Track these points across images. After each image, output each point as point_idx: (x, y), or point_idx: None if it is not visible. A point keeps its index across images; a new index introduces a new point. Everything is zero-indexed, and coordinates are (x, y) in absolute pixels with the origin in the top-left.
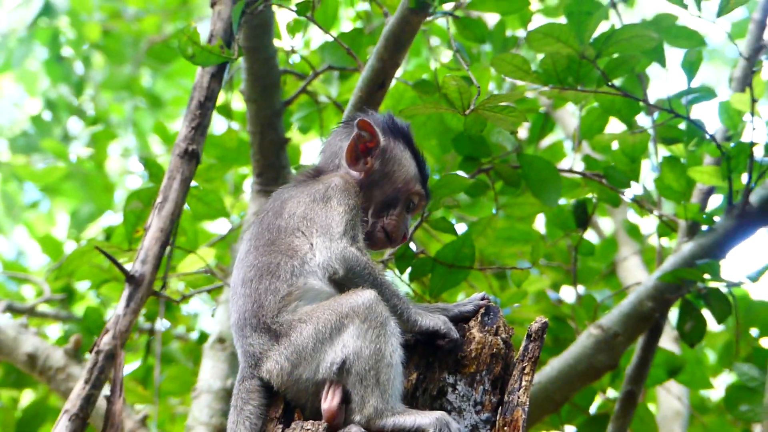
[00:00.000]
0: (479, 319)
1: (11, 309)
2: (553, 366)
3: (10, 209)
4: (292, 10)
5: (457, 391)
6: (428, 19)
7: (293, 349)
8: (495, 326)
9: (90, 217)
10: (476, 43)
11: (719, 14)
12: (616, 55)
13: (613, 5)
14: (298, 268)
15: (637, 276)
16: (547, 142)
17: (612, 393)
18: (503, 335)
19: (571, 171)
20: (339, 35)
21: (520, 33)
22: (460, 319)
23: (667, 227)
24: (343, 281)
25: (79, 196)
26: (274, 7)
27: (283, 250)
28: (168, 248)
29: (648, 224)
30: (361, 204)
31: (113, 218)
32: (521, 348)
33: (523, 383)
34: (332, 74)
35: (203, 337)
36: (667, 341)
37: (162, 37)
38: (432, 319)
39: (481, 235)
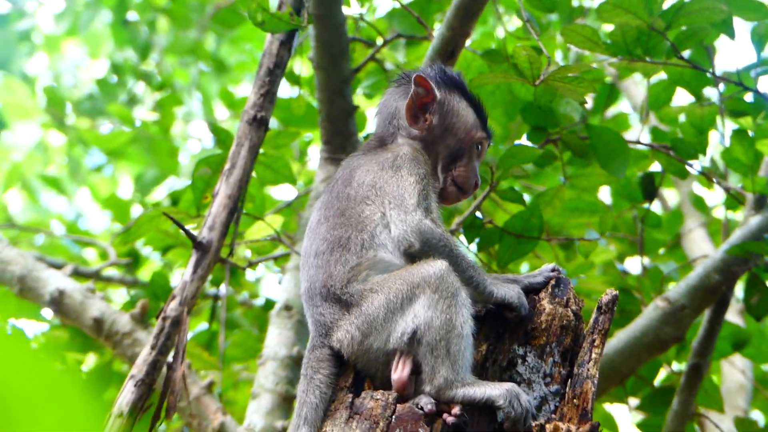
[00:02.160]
0: (550, 290)
1: (77, 273)
2: (620, 338)
3: (75, 173)
4: None
5: (526, 363)
6: None
7: (364, 319)
8: (565, 298)
9: (154, 181)
10: (544, 13)
11: None
12: (685, 28)
13: None
14: (368, 241)
15: (703, 248)
16: (611, 112)
17: (677, 366)
18: (573, 307)
19: (638, 142)
20: (408, 3)
21: (586, 3)
22: (530, 291)
23: (734, 200)
24: (418, 254)
25: (143, 160)
26: None
27: (354, 223)
28: (235, 215)
29: (714, 197)
30: (429, 163)
31: (177, 183)
32: (591, 320)
33: (593, 356)
34: (400, 42)
35: (268, 304)
36: (733, 314)
37: (228, 2)
38: (507, 291)
39: (548, 206)
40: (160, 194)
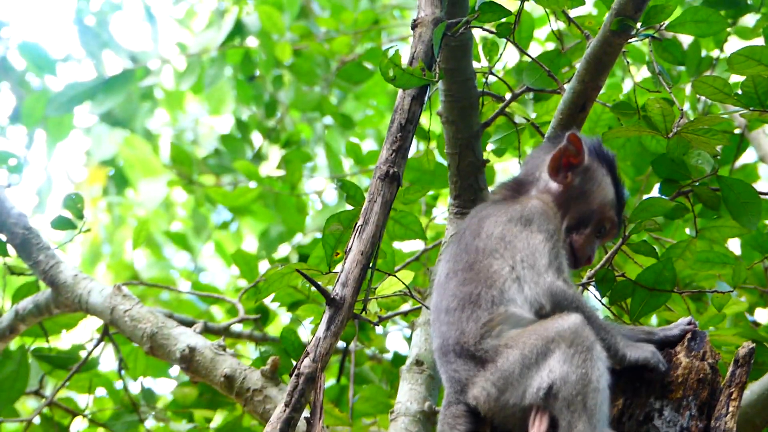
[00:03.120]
0: (686, 344)
1: (207, 329)
2: (753, 390)
3: (201, 230)
4: (493, 32)
5: (663, 417)
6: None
7: (500, 375)
8: (702, 351)
9: (280, 238)
10: (674, 65)
11: None
12: None
13: None
14: (498, 297)
15: None
16: (740, 162)
17: None
18: (710, 360)
19: None
20: (537, 56)
21: (714, 54)
22: (666, 344)
23: None
24: (549, 315)
25: (269, 217)
26: (474, 30)
27: (483, 278)
28: (369, 271)
29: None
30: (558, 219)
31: (303, 239)
32: (728, 373)
33: (731, 409)
34: (529, 95)
35: (396, 358)
36: None
37: (353, 56)
38: (641, 352)
39: (679, 258)
40: (284, 250)
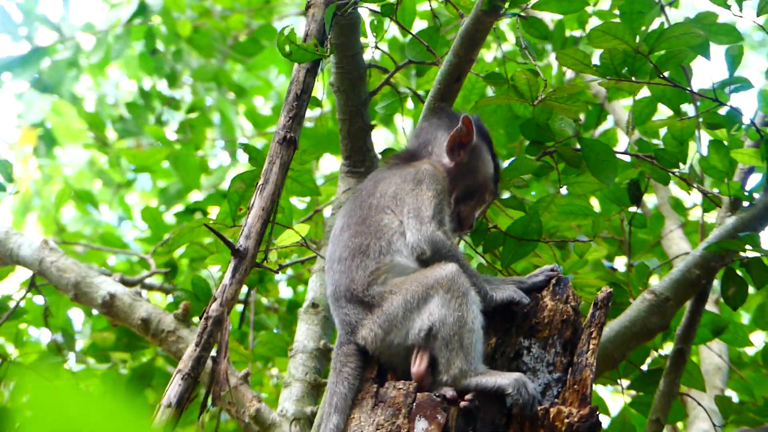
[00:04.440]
0: (551, 289)
1: (123, 281)
2: (612, 327)
3: (109, 185)
4: (377, 12)
5: (531, 353)
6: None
7: (385, 318)
8: (565, 295)
9: (179, 194)
10: (540, 41)
11: (759, 14)
12: (666, 51)
13: (661, 7)
14: (386, 248)
15: (681, 246)
16: (600, 130)
17: (663, 351)
18: (572, 303)
19: (626, 153)
20: (417, 33)
21: (576, 33)
22: (533, 289)
23: (710, 203)
24: (429, 261)
25: (168, 175)
26: (361, 9)
27: (373, 231)
28: (269, 225)
29: (690, 199)
30: (447, 190)
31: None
32: (589, 315)
33: (591, 346)
34: (410, 68)
35: (290, 305)
36: (711, 305)
37: (247, 32)
38: (505, 292)
39: (545, 211)
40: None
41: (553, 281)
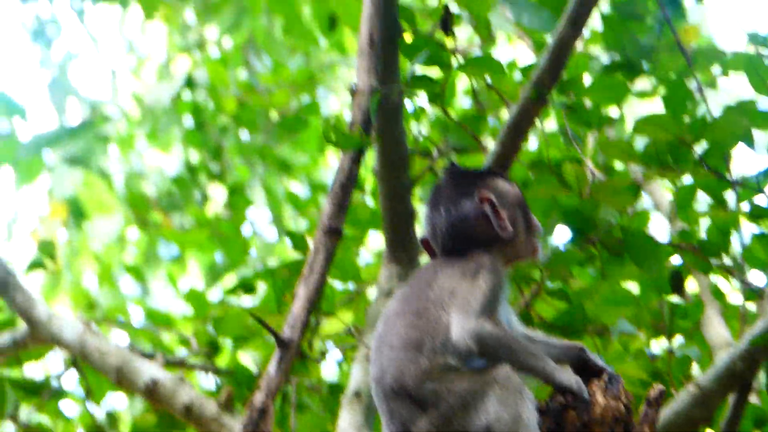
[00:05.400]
0: (604, 386)
1: (165, 361)
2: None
3: (151, 262)
4: (422, 99)
5: None
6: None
7: (439, 418)
8: (617, 393)
9: (224, 270)
10: (583, 127)
11: None
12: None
13: (700, 91)
14: (440, 348)
15: (721, 333)
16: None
17: None
18: (624, 401)
19: (670, 245)
20: (460, 118)
21: (614, 114)
22: (585, 363)
23: (752, 293)
24: (479, 356)
25: (213, 249)
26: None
27: (429, 327)
28: (313, 315)
29: (732, 288)
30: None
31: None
32: (641, 413)
33: None
34: (454, 153)
35: (333, 388)
36: (753, 395)
37: (291, 109)
38: (569, 379)
39: (588, 299)
40: (229, 282)
41: (605, 377)
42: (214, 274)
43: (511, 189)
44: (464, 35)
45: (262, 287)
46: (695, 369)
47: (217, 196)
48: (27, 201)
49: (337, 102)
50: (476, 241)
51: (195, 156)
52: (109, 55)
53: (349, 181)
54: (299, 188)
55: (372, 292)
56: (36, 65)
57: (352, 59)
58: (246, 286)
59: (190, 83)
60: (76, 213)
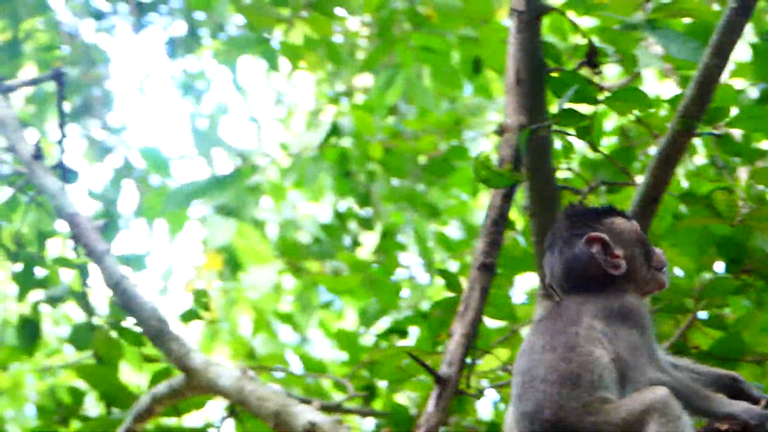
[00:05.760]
0: None
1: (322, 407)
2: None
3: (304, 308)
4: (571, 134)
5: None
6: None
7: None
8: None
9: (377, 315)
10: (729, 156)
11: None
12: None
13: None
14: (597, 382)
15: None
16: None
17: None
18: None
19: None
20: (609, 152)
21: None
22: (747, 397)
23: None
24: None
25: (366, 296)
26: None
27: (584, 362)
28: (470, 351)
29: None
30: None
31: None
32: None
33: None
34: (602, 188)
35: (491, 426)
36: None
37: (437, 153)
38: (730, 407)
39: (745, 329)
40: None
41: (763, 404)
42: (367, 319)
43: (627, 226)
44: (610, 73)
45: (414, 332)
46: None
47: (367, 241)
48: (181, 252)
49: (486, 144)
50: (592, 280)
51: (345, 203)
52: (257, 106)
53: (501, 218)
54: (449, 231)
55: (526, 332)
56: (186, 118)
57: (497, 102)
58: (399, 330)
59: (335, 130)
60: (231, 263)
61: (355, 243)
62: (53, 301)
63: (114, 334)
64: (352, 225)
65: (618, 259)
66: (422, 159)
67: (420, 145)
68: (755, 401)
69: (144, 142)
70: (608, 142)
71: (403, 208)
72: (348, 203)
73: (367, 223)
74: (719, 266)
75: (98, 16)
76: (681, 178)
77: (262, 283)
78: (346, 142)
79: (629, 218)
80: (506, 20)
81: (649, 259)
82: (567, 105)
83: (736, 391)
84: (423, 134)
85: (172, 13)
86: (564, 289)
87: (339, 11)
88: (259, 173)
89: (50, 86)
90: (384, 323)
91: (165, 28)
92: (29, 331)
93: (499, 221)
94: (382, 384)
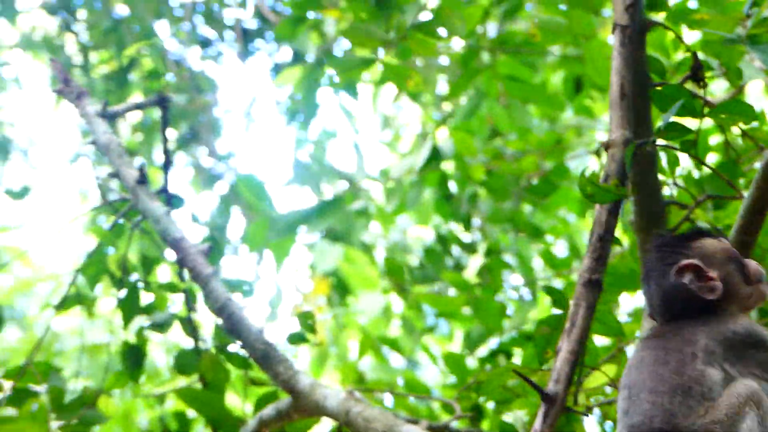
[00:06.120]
0: None
1: (430, 428)
2: None
3: (410, 332)
4: (676, 148)
5: None
6: None
7: None
8: None
9: (481, 338)
10: None
11: None
12: None
13: None
14: (708, 393)
15: None
16: None
17: None
18: None
19: None
20: (716, 166)
21: None
22: None
23: None
24: None
25: (469, 319)
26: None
27: (695, 377)
28: (578, 368)
29: None
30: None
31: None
32: None
33: None
34: (709, 202)
35: None
36: None
37: (540, 173)
38: None
39: None
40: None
41: None
42: (472, 341)
43: (718, 245)
44: (715, 88)
45: (518, 353)
46: None
47: (472, 263)
48: (289, 278)
49: (589, 162)
50: (693, 307)
51: (448, 226)
52: (364, 130)
53: (607, 234)
54: (555, 251)
55: (632, 349)
56: (292, 144)
57: (598, 121)
58: (504, 352)
59: (436, 154)
60: (339, 288)
61: (458, 266)
62: (159, 327)
63: (220, 357)
64: (455, 248)
65: (713, 281)
66: (525, 180)
67: (522, 165)
68: None
69: (250, 169)
70: (713, 159)
71: (506, 229)
72: (451, 226)
73: (470, 247)
74: None
75: (204, 43)
76: None
77: (371, 308)
78: (448, 165)
79: (718, 237)
80: (610, 37)
81: (745, 273)
82: (672, 119)
83: None
84: (525, 155)
85: (278, 39)
86: (667, 319)
87: (442, 32)
88: (363, 198)
89: (156, 114)
90: (491, 344)
91: (270, 55)
92: (134, 357)
93: (605, 237)
94: (489, 405)
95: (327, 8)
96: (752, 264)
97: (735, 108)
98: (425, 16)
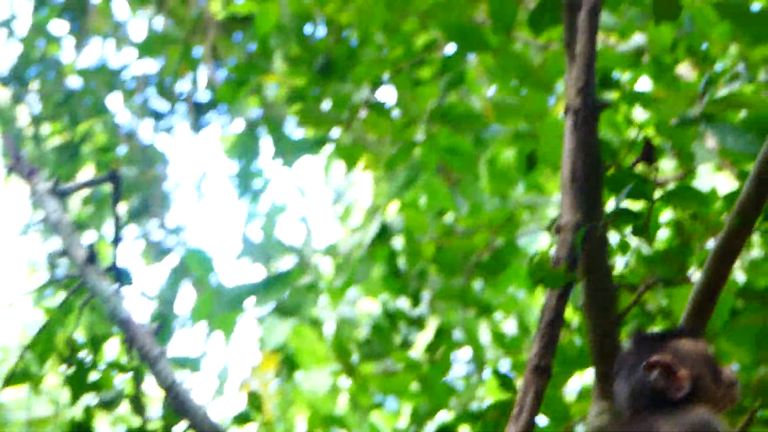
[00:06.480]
0: None
1: None
2: None
3: (358, 409)
4: (626, 235)
5: None
6: None
7: None
8: None
9: (427, 415)
10: None
11: None
12: None
13: None
14: None
15: None
16: None
17: None
18: None
19: None
20: (665, 249)
21: None
22: None
23: None
24: None
25: (416, 396)
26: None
27: None
28: None
29: None
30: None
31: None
32: None
33: None
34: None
35: None
36: None
37: (490, 250)
38: None
39: None
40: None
41: None
42: (419, 417)
43: (693, 346)
44: (666, 166)
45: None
46: None
47: (419, 340)
48: (237, 353)
49: (540, 240)
50: (658, 402)
51: (397, 303)
52: (315, 204)
53: (557, 318)
54: (504, 328)
55: (580, 430)
56: (242, 219)
57: (550, 198)
58: (451, 430)
59: (385, 231)
60: (288, 363)
61: (405, 342)
62: (106, 405)
63: None
64: (403, 325)
65: (681, 381)
66: (475, 256)
67: (473, 242)
68: None
69: (199, 243)
70: (665, 233)
71: (455, 306)
72: (399, 302)
73: (418, 322)
74: None
75: (157, 116)
76: (738, 271)
77: (319, 384)
78: (398, 241)
79: (697, 338)
80: (562, 114)
81: (718, 376)
82: (623, 204)
83: None
84: (475, 231)
85: (230, 113)
86: (632, 413)
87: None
88: (312, 273)
89: (108, 187)
90: (438, 420)
91: (223, 127)
92: None
93: (554, 322)
94: None
95: (267, 73)
96: (726, 369)
97: (686, 193)
98: (378, 96)
